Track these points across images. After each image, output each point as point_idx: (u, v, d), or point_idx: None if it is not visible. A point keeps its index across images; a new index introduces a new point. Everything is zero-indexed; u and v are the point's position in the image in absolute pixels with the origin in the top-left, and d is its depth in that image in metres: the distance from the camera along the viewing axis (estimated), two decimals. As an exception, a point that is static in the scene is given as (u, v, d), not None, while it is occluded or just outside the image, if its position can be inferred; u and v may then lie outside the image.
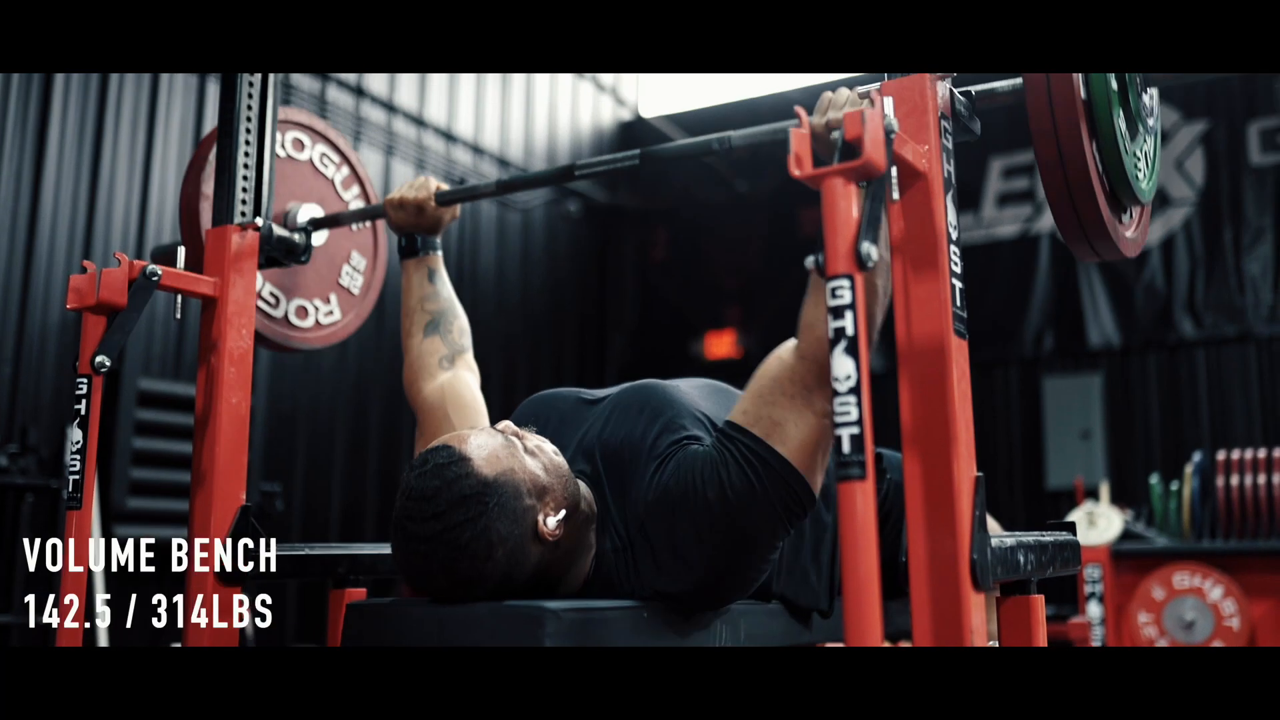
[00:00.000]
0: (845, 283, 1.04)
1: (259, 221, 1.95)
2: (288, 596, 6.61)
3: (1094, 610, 5.05)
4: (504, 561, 1.45)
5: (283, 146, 2.25)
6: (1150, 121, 1.53)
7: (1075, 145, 1.34)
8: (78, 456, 1.68)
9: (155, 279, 1.75)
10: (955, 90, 1.41)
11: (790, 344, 1.53)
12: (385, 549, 2.03)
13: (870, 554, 1.01)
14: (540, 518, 1.48)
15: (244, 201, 1.96)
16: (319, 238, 2.26)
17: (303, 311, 2.25)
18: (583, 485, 1.60)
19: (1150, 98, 1.53)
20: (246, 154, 1.99)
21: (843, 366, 1.03)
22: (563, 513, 1.50)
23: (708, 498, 1.48)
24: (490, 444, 1.50)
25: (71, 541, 1.67)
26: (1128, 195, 1.45)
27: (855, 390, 1.03)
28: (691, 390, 1.76)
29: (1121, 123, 1.41)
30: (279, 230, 2.06)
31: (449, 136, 7.48)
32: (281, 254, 2.09)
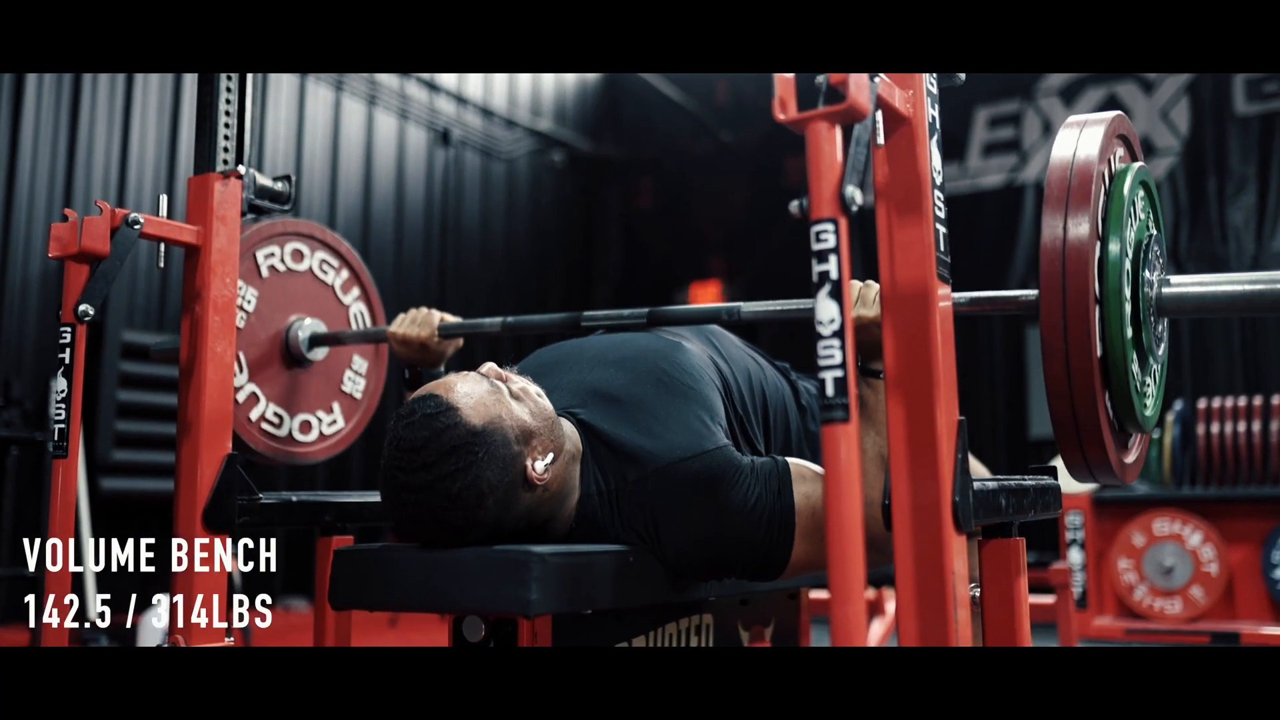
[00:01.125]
0: (829, 226, 1.04)
1: (241, 169, 1.93)
2: (274, 546, 6.63)
3: (1075, 556, 5.11)
4: (494, 508, 1.46)
5: (281, 260, 2.24)
6: (1160, 350, 1.55)
7: (1089, 400, 1.37)
8: (63, 406, 1.68)
9: (137, 227, 1.74)
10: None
11: (877, 502, 1.50)
12: (371, 497, 2.04)
13: (854, 498, 1.02)
14: (529, 463, 1.49)
15: (226, 150, 1.95)
16: (320, 352, 2.28)
17: (306, 426, 2.26)
18: (567, 424, 1.60)
19: (1163, 327, 1.55)
20: (228, 100, 1.97)
21: (826, 310, 1.03)
22: (550, 456, 1.51)
23: (729, 507, 1.52)
24: (476, 391, 1.50)
25: (58, 493, 1.66)
26: (1134, 427, 1.48)
27: (839, 334, 1.03)
28: (692, 346, 1.76)
29: (1135, 366, 1.43)
30: (262, 179, 2.05)
31: (432, 87, 7.41)
32: (265, 200, 2.08)
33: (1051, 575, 4.29)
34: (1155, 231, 1.55)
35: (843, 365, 1.03)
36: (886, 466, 1.33)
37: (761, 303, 1.79)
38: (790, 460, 1.57)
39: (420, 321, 2.08)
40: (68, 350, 1.68)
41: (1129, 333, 1.40)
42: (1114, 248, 1.39)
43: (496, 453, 1.45)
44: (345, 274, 2.37)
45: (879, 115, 1.23)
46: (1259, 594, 4.98)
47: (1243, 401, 5.07)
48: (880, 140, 1.26)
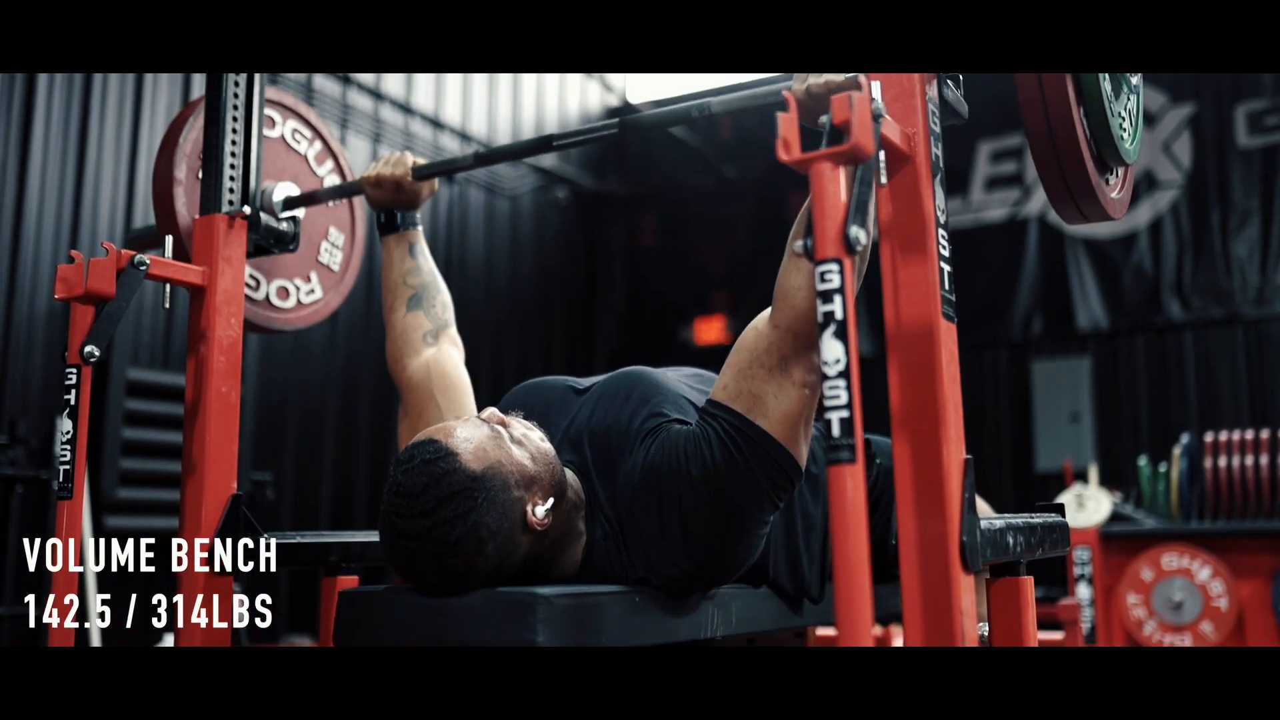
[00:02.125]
0: (834, 267, 1.05)
1: (247, 210, 1.94)
2: (279, 586, 6.61)
3: (1083, 592, 5.08)
4: (494, 555, 1.45)
5: None
6: (1133, 80, 1.54)
7: (1063, 111, 1.34)
8: (68, 447, 1.68)
9: (143, 268, 1.75)
10: (942, 74, 1.41)
11: (765, 315, 1.53)
12: (376, 536, 2.03)
13: (860, 537, 1.02)
14: (529, 508, 1.48)
15: (231, 190, 1.96)
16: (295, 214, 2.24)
17: (284, 292, 2.25)
18: (569, 472, 1.60)
19: None
20: (234, 141, 1.98)
21: (832, 350, 1.03)
22: (550, 501, 1.50)
23: (692, 475, 1.49)
24: (476, 436, 1.49)
25: (63, 532, 1.65)
26: (1113, 156, 1.46)
27: (844, 374, 1.03)
28: (678, 377, 1.76)
29: (1107, 85, 1.41)
30: (267, 219, 2.05)
31: (436, 124, 7.46)
32: (270, 242, 2.08)
33: (1060, 611, 4.26)
34: None
35: (849, 406, 1.02)
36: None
37: (730, 95, 1.69)
38: (712, 395, 1.55)
39: (394, 162, 2.04)
40: (73, 391, 1.68)
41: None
42: None
43: (496, 498, 1.45)
44: (318, 145, 2.36)
45: (882, 155, 1.23)
46: (1269, 628, 4.94)
47: (1250, 435, 5.05)
48: (884, 180, 1.27)
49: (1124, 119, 1.49)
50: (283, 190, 2.17)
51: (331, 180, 2.36)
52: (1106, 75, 1.40)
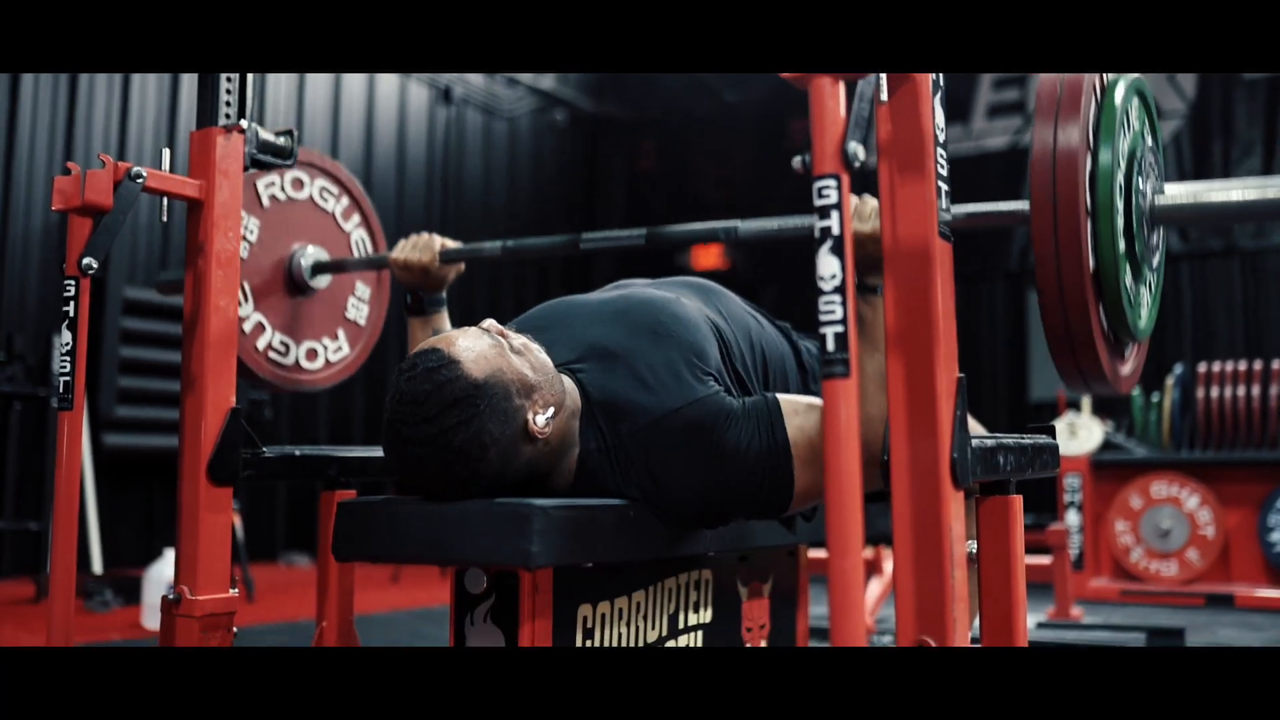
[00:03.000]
0: (832, 182, 1.05)
1: (244, 123, 1.93)
2: (277, 502, 6.68)
3: (1072, 518, 5.14)
4: (496, 461, 1.47)
5: (282, 189, 2.25)
6: (1155, 260, 1.54)
7: (1081, 314, 1.36)
8: (67, 358, 1.68)
9: (140, 181, 1.74)
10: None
11: (874, 419, 1.52)
12: (374, 451, 2.05)
13: (853, 454, 1.03)
14: (530, 416, 1.50)
15: (228, 104, 1.94)
16: (323, 279, 2.29)
17: (312, 354, 2.29)
18: (567, 380, 1.61)
19: (1158, 236, 1.54)
20: (230, 55, 1.96)
21: (828, 265, 1.04)
22: (551, 410, 1.52)
23: (723, 449, 1.54)
24: (478, 345, 1.51)
25: (64, 444, 1.67)
26: (1128, 337, 1.47)
27: (840, 289, 1.04)
28: (689, 302, 1.76)
29: (1128, 279, 1.42)
30: (264, 133, 2.04)
31: (434, 43, 7.37)
32: (267, 156, 2.07)
33: (1049, 536, 4.32)
34: (1150, 141, 1.54)
35: (844, 321, 1.03)
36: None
37: (757, 220, 1.81)
38: (780, 396, 1.59)
39: (421, 246, 2.11)
40: (71, 304, 1.69)
41: (1122, 245, 1.40)
42: (1105, 158, 1.38)
43: (498, 405, 1.46)
44: (345, 201, 2.39)
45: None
46: (1255, 557, 5.01)
47: (1243, 366, 5.08)
48: (884, 97, 1.26)
49: (1142, 297, 1.50)
50: (312, 255, 2.24)
51: (358, 234, 2.41)
52: (1128, 269, 1.42)
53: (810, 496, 1.58)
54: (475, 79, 7.90)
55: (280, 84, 6.87)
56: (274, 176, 2.22)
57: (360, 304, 2.40)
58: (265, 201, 2.21)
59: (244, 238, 2.12)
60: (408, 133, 7.65)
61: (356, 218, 2.41)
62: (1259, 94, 6.82)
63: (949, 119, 1.35)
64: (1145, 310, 1.53)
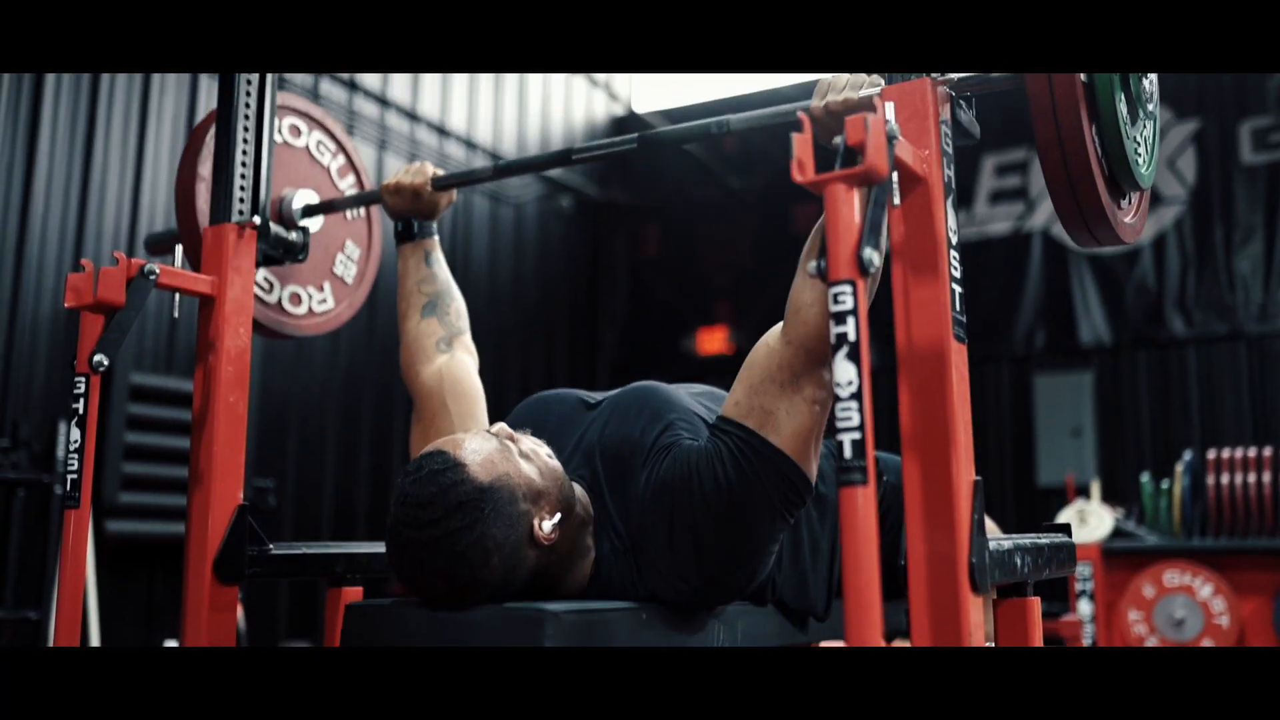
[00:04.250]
0: (847, 289, 1.05)
1: (256, 220, 1.94)
2: (279, 592, 6.61)
3: (1085, 608, 5.07)
4: (500, 567, 1.45)
5: (279, 132, 2.24)
6: (1150, 106, 1.53)
7: (1075, 129, 1.33)
8: (75, 455, 1.67)
9: (153, 278, 1.75)
10: (956, 95, 1.41)
11: (776, 331, 1.53)
12: (381, 547, 2.03)
13: (871, 558, 1.02)
14: (536, 522, 1.48)
15: (242, 199, 1.96)
16: (314, 224, 2.25)
17: (296, 298, 2.25)
18: (578, 488, 1.60)
19: (1150, 83, 1.53)
20: (244, 150, 1.98)
21: (845, 372, 1.03)
22: (558, 516, 1.50)
23: (704, 491, 1.49)
24: (485, 448, 1.50)
25: (69, 541, 1.65)
26: (1128, 180, 1.45)
27: (857, 396, 1.03)
28: (689, 394, 1.76)
29: (1123, 107, 1.40)
30: (277, 228, 2.06)
31: (442, 131, 7.47)
32: (280, 252, 2.09)
33: (1062, 627, 4.27)
34: None
35: (861, 428, 1.03)
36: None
37: (749, 113, 1.68)
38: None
39: (414, 171, 2.05)
40: (81, 400, 1.68)
41: (1116, 77, 1.37)
42: None
43: (503, 510, 1.45)
44: (341, 159, 2.38)
45: (896, 176, 1.23)
46: (1270, 645, 4.93)
47: (1252, 452, 5.05)
48: (896, 201, 1.27)
49: (1139, 144, 1.48)
50: (303, 197, 2.19)
51: (352, 194, 2.37)
52: (1123, 98, 1.40)
53: (801, 434, 1.50)
54: (482, 166, 8.00)
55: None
56: (273, 129, 2.14)
57: (349, 262, 2.37)
58: None
59: None
60: (415, 219, 7.70)
61: (352, 178, 2.39)
62: (1259, 179, 6.88)
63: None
64: (1144, 155, 1.50)
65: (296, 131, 2.29)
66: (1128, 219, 1.50)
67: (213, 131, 2.08)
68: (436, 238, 2.11)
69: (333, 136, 2.37)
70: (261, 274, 2.17)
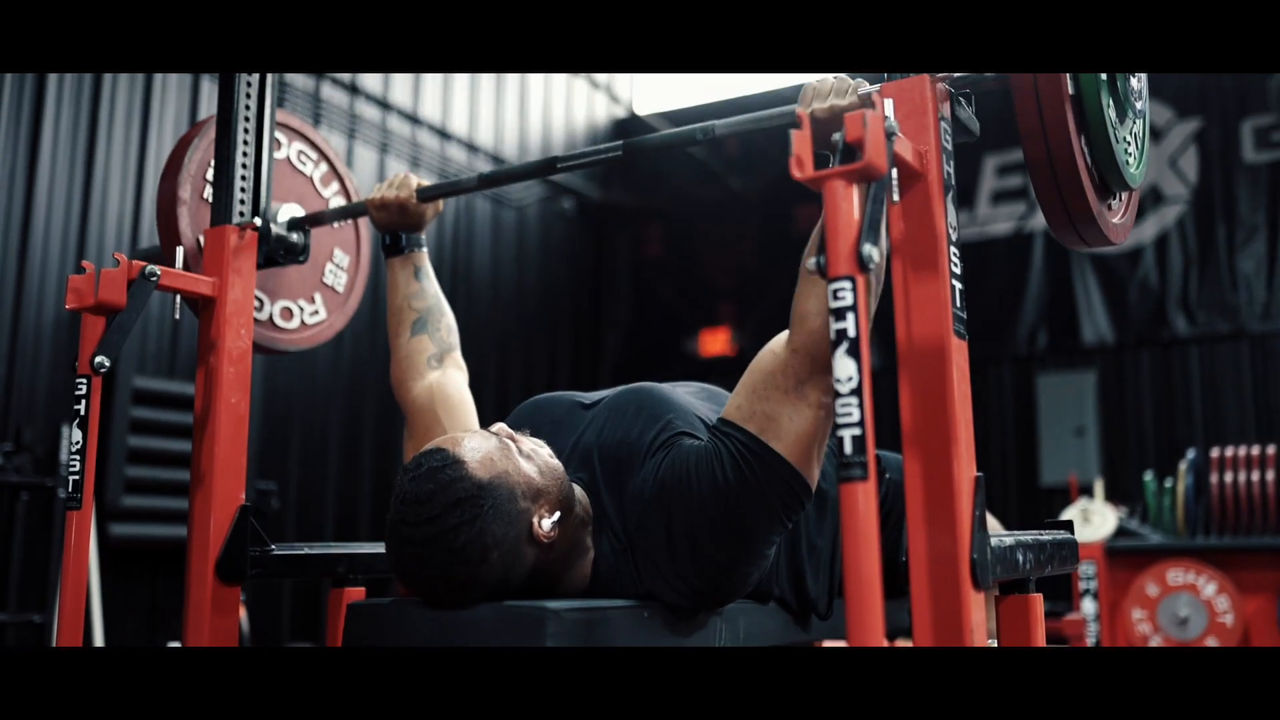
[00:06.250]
0: (847, 285, 1.05)
1: (257, 221, 1.94)
2: (283, 594, 6.61)
3: (1088, 607, 5.07)
4: (499, 564, 1.45)
5: None
6: (1138, 104, 1.52)
7: (1063, 138, 1.33)
8: (77, 457, 1.68)
9: (154, 279, 1.75)
10: (955, 91, 1.41)
11: (782, 337, 1.53)
12: (383, 548, 2.03)
13: (872, 555, 1.02)
14: (535, 520, 1.47)
15: (242, 201, 1.96)
16: (300, 238, 2.21)
17: (287, 313, 2.23)
18: (578, 488, 1.60)
19: (1138, 79, 1.52)
20: (245, 153, 1.99)
21: (844, 368, 1.03)
22: (557, 514, 1.50)
23: (702, 492, 1.48)
24: (484, 446, 1.50)
25: (71, 543, 1.65)
26: (1117, 182, 1.44)
27: (857, 391, 1.03)
28: (687, 393, 1.76)
29: (1111, 112, 1.40)
30: (277, 229, 2.06)
31: (443, 134, 7.47)
32: (280, 253, 2.09)
33: (1065, 626, 4.26)
34: None
35: (861, 424, 1.02)
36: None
37: (735, 118, 1.66)
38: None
39: (398, 184, 2.03)
40: (83, 402, 1.68)
41: (1102, 75, 1.36)
42: None
43: (502, 507, 1.45)
44: (324, 167, 2.34)
45: (895, 173, 1.23)
46: (1275, 644, 4.92)
47: (1255, 450, 5.05)
48: (896, 197, 1.27)
49: (1129, 143, 1.47)
50: (287, 211, 2.16)
51: (337, 202, 2.34)
52: (1110, 101, 1.39)
53: (803, 440, 1.49)
54: (484, 168, 7.99)
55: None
56: (273, 131, 2.13)
57: (338, 270, 2.34)
58: None
59: None
60: (417, 222, 7.70)
61: (335, 185, 2.35)
62: (1261, 178, 6.88)
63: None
64: (1133, 154, 1.49)
65: (277, 144, 2.25)
66: (1116, 220, 1.49)
67: (190, 151, 2.06)
68: (425, 250, 2.10)
69: (314, 145, 2.33)
70: None
